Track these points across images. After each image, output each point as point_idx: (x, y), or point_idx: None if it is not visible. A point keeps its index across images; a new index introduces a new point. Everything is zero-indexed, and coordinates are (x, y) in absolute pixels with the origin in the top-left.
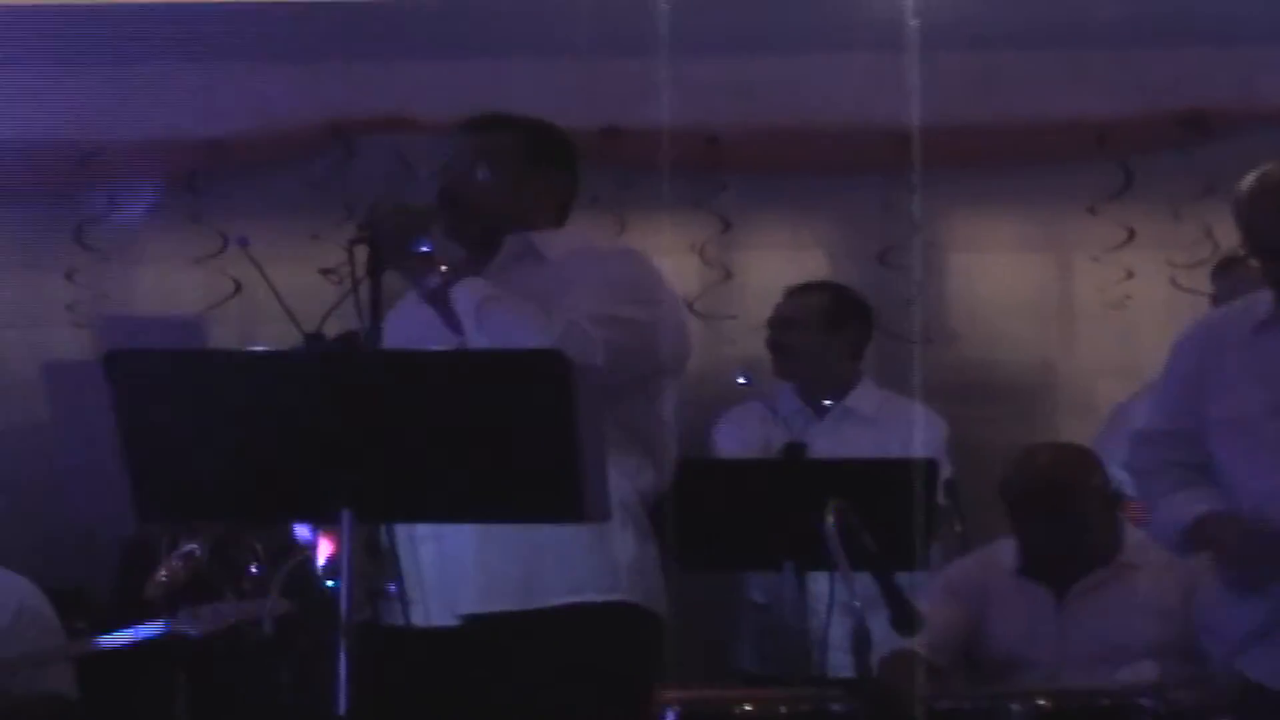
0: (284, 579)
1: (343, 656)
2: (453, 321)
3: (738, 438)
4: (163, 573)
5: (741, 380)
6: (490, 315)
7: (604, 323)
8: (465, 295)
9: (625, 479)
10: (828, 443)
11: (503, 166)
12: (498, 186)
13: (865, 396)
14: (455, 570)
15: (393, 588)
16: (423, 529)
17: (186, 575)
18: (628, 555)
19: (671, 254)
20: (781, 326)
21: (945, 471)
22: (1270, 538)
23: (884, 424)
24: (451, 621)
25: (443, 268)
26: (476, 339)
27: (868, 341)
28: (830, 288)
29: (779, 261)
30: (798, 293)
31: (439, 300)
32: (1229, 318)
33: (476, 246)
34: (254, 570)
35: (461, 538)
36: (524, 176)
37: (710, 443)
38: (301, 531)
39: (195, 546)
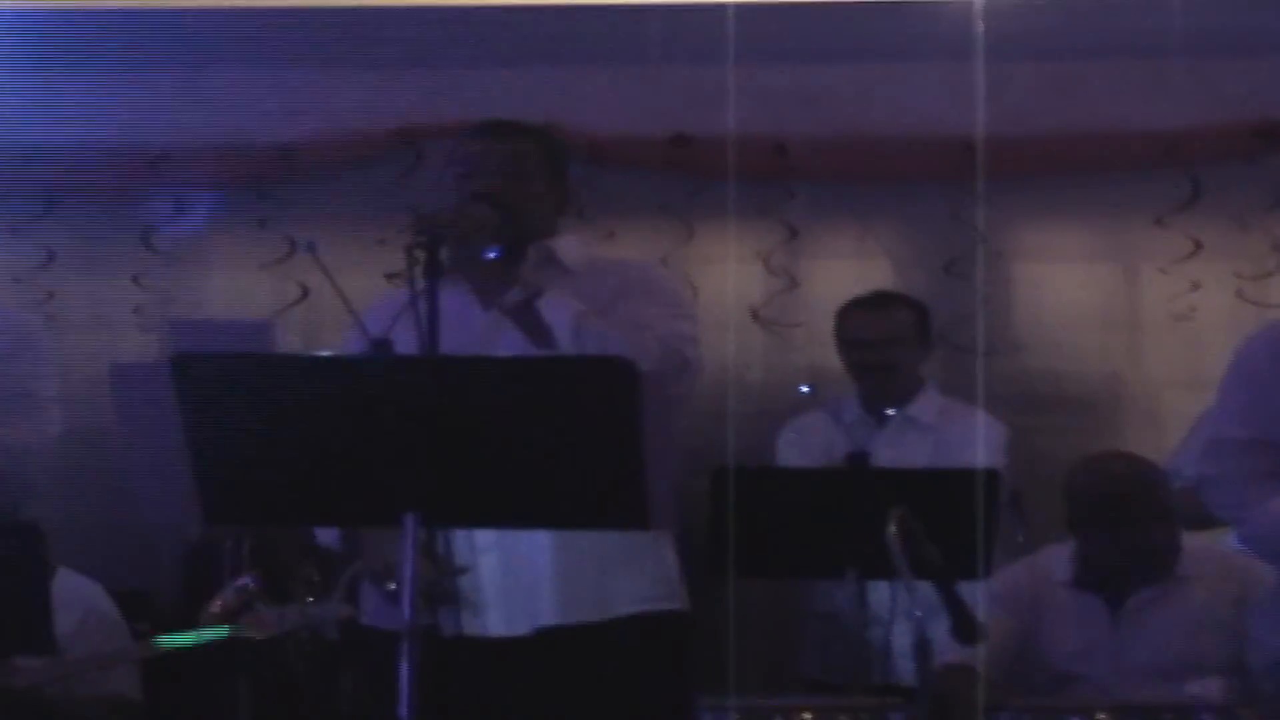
0: (347, 585)
1: (405, 662)
2: (536, 334)
3: (801, 446)
4: (218, 603)
5: (805, 389)
6: (588, 331)
7: (681, 339)
8: (559, 310)
9: None
10: (890, 451)
11: (529, 173)
12: (528, 192)
13: (927, 404)
14: (527, 582)
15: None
16: (484, 539)
17: (239, 606)
18: (674, 563)
19: (737, 262)
20: (876, 346)
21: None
22: None
23: (945, 431)
24: (522, 632)
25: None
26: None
27: (929, 343)
28: (902, 299)
29: (845, 270)
30: (873, 308)
31: (524, 312)
32: None
33: (504, 252)
34: (309, 601)
35: (533, 549)
36: (544, 184)
37: (774, 450)
38: (325, 537)
39: (249, 579)
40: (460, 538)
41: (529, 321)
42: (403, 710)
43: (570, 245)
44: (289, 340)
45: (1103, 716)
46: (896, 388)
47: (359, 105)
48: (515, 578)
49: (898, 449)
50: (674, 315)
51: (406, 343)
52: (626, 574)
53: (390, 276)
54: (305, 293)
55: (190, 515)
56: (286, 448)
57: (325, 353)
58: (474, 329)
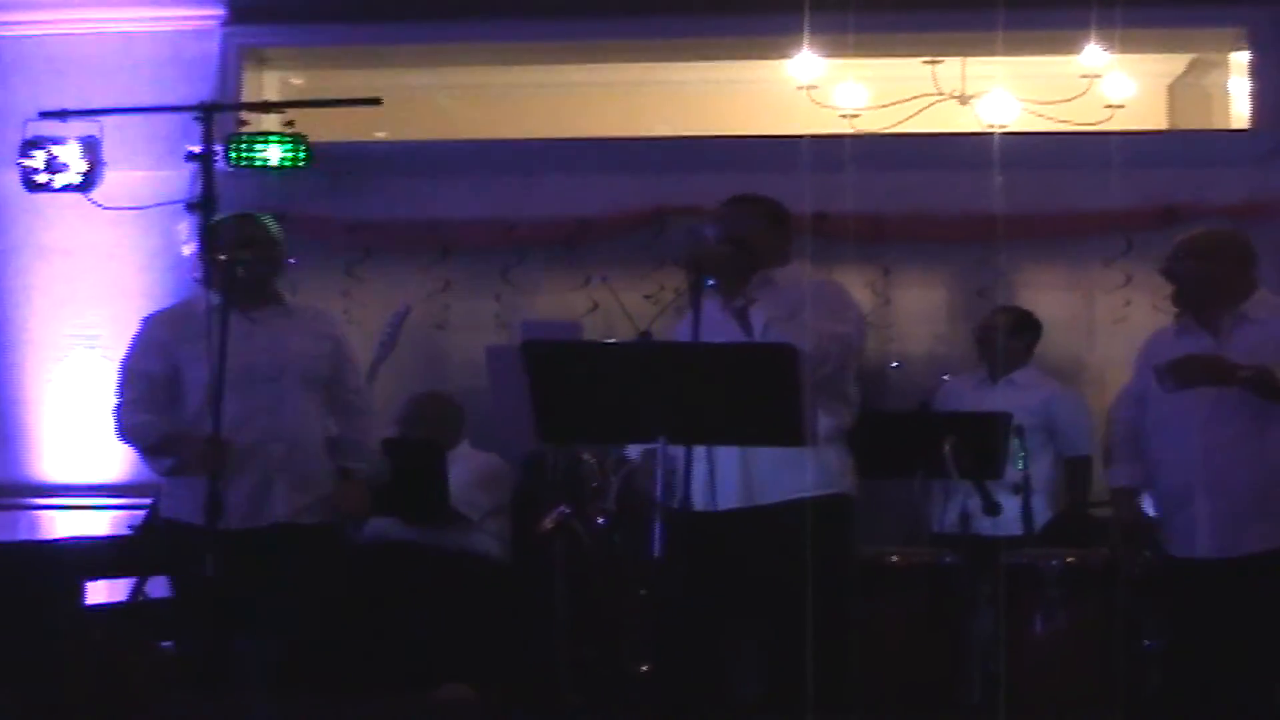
0: (620, 484)
1: (658, 524)
2: (746, 329)
3: (957, 399)
4: (548, 521)
5: (894, 365)
6: (773, 329)
7: (830, 336)
8: (759, 314)
9: (834, 418)
10: (1001, 403)
11: (757, 226)
12: (757, 238)
13: (1026, 375)
14: (724, 476)
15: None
16: (697, 451)
17: (557, 524)
18: (839, 463)
19: (856, 288)
20: (987, 331)
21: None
22: None
23: (1038, 391)
24: (728, 506)
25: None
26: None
27: (1035, 339)
28: (1011, 312)
29: (919, 295)
30: (993, 313)
31: (741, 315)
32: None
33: (737, 278)
34: (594, 485)
35: (728, 457)
36: (767, 233)
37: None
38: (632, 453)
39: (564, 508)
40: (678, 452)
41: (743, 321)
42: (654, 549)
43: (789, 271)
44: (587, 335)
45: (1071, 560)
46: (1002, 362)
47: (628, 195)
48: (717, 475)
49: (1008, 403)
50: (834, 319)
51: (681, 335)
52: (791, 469)
53: (647, 297)
54: (594, 305)
55: (532, 442)
56: (595, 398)
57: (613, 340)
58: (715, 321)
